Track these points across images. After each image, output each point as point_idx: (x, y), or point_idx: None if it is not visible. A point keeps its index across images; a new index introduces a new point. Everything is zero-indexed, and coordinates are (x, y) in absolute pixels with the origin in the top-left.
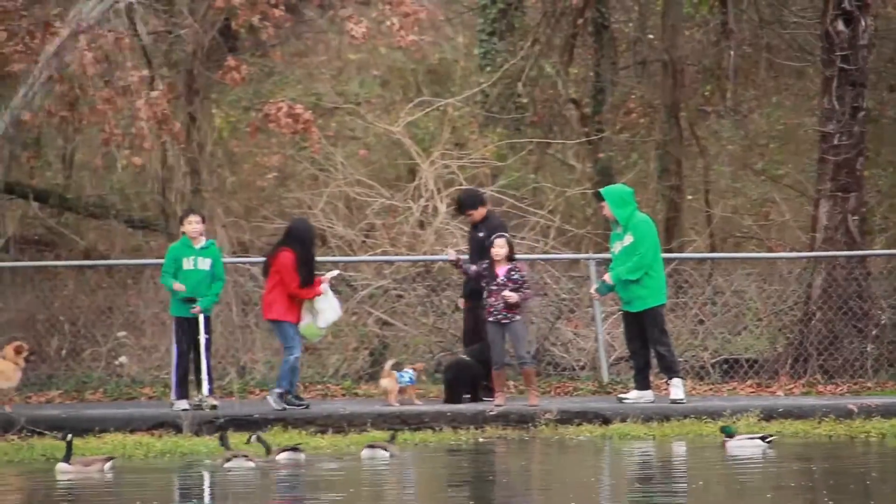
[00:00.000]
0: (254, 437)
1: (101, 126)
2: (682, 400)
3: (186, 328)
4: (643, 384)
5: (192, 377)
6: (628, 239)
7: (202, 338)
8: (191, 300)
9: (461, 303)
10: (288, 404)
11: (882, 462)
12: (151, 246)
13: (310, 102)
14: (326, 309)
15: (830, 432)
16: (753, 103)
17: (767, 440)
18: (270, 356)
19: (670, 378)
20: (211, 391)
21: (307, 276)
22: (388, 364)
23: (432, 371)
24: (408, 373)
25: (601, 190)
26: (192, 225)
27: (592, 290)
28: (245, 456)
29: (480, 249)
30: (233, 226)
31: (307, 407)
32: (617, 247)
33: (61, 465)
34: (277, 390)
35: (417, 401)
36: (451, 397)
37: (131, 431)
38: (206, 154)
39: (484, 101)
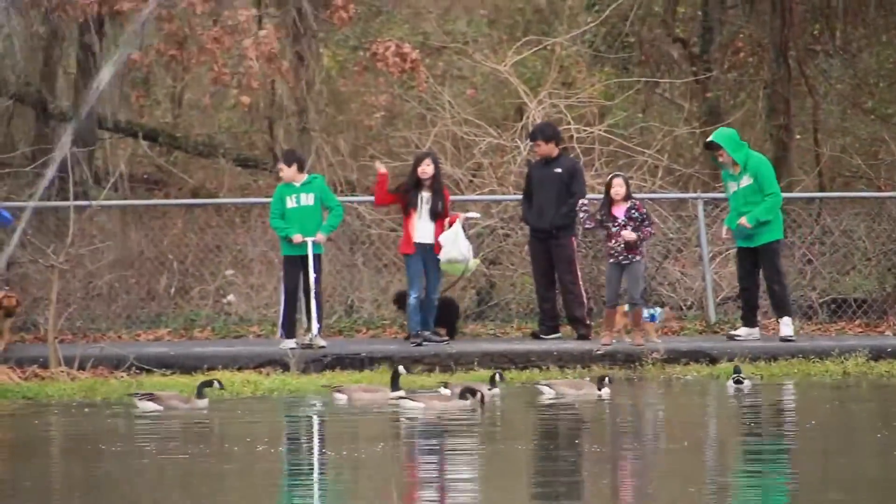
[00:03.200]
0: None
1: (210, 65)
2: (791, 338)
3: (297, 267)
4: (752, 322)
5: (298, 316)
6: (746, 180)
7: (312, 277)
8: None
9: None
10: (426, 340)
11: None
12: (259, 185)
13: (417, 42)
14: (448, 245)
15: None
16: (863, 42)
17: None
18: (377, 294)
19: (781, 316)
20: (320, 331)
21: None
22: (625, 307)
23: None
24: (657, 309)
25: (714, 138)
26: (284, 171)
27: (724, 233)
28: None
29: (560, 187)
30: (340, 165)
31: (446, 342)
32: (733, 187)
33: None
34: (410, 331)
35: (656, 339)
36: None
37: (239, 369)
38: (313, 93)
39: (591, 41)
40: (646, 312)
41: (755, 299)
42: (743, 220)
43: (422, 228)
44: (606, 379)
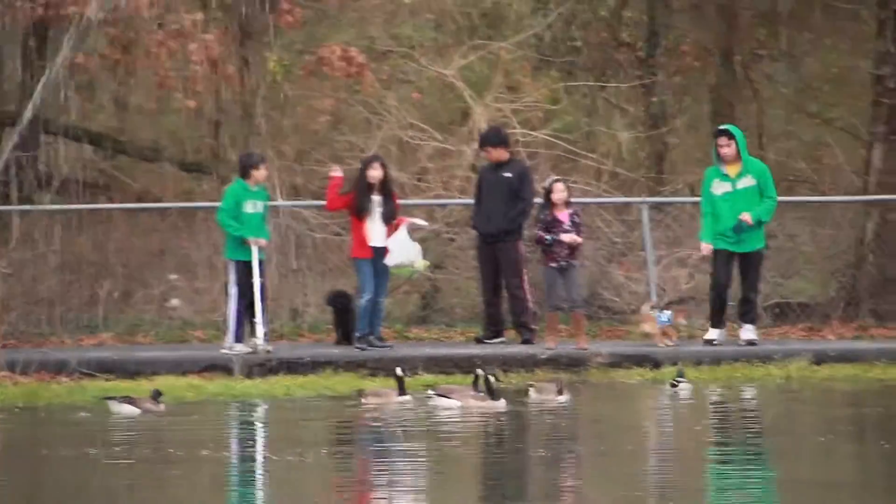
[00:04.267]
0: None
1: (155, 69)
2: (756, 341)
3: (247, 272)
4: (722, 323)
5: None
6: (748, 181)
7: (257, 281)
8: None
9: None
10: (369, 345)
11: None
12: (203, 189)
13: (363, 46)
14: (395, 249)
15: (882, 376)
16: (807, 46)
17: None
18: (322, 299)
19: (749, 322)
20: (266, 336)
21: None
22: (646, 307)
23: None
24: (665, 313)
25: (729, 127)
26: (259, 173)
27: (704, 250)
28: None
29: (509, 192)
30: (286, 169)
31: (390, 348)
32: (726, 187)
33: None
34: (356, 333)
35: (673, 340)
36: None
37: (182, 374)
38: (259, 97)
39: (537, 45)
40: (660, 317)
41: (726, 302)
42: (747, 216)
43: (377, 232)
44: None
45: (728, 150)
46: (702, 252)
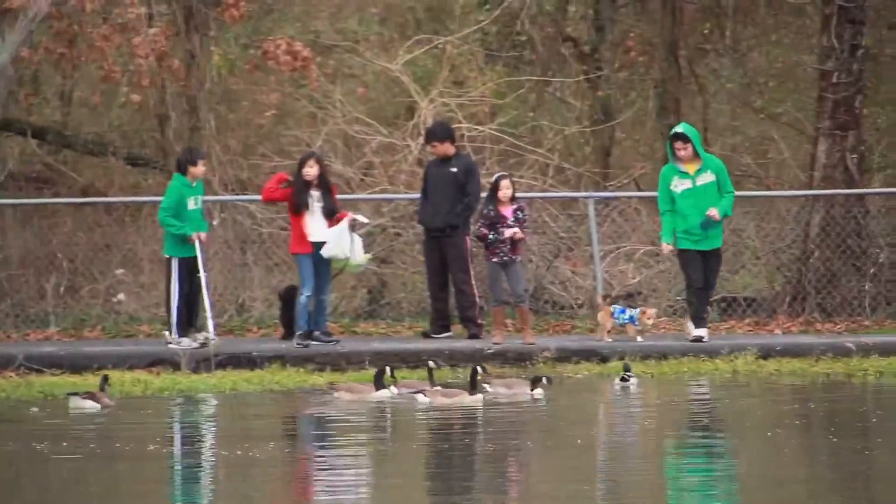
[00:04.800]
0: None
1: (100, 63)
2: (704, 339)
3: (191, 267)
4: (705, 322)
5: (204, 315)
6: (707, 177)
7: (203, 276)
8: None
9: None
10: (315, 340)
11: (879, 400)
12: (149, 183)
13: (308, 40)
14: (332, 241)
15: (828, 370)
16: (752, 41)
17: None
18: (268, 294)
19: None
20: (215, 330)
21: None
22: (604, 301)
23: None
24: (631, 311)
25: (683, 129)
26: (202, 167)
27: (665, 250)
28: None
29: (455, 187)
30: (231, 164)
31: (336, 343)
32: (686, 184)
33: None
34: (297, 331)
35: (639, 337)
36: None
37: (129, 368)
38: (204, 92)
39: (483, 39)
40: (622, 313)
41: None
42: (714, 211)
43: (316, 227)
44: (544, 379)
45: (685, 153)
46: (663, 252)
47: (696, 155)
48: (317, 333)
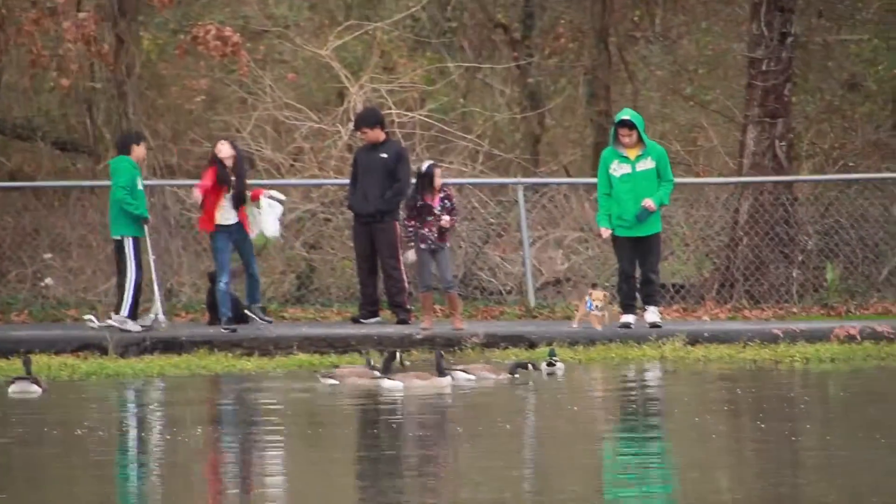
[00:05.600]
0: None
1: (29, 48)
2: (659, 323)
3: (139, 247)
4: (633, 307)
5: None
6: (647, 164)
7: (152, 258)
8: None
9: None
10: (252, 314)
11: (806, 386)
12: (78, 168)
13: (238, 25)
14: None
15: (755, 357)
16: (682, 29)
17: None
18: (197, 278)
19: (651, 304)
20: (164, 311)
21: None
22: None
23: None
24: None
25: (630, 116)
26: (143, 148)
27: (604, 234)
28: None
29: (385, 172)
30: (161, 149)
31: (270, 322)
32: (625, 169)
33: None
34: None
35: (598, 326)
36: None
37: (56, 353)
38: (133, 77)
39: (413, 26)
40: (590, 303)
41: (635, 287)
42: (650, 202)
43: (227, 209)
44: (530, 366)
45: (629, 139)
46: (602, 236)
47: (639, 141)
48: (255, 307)
